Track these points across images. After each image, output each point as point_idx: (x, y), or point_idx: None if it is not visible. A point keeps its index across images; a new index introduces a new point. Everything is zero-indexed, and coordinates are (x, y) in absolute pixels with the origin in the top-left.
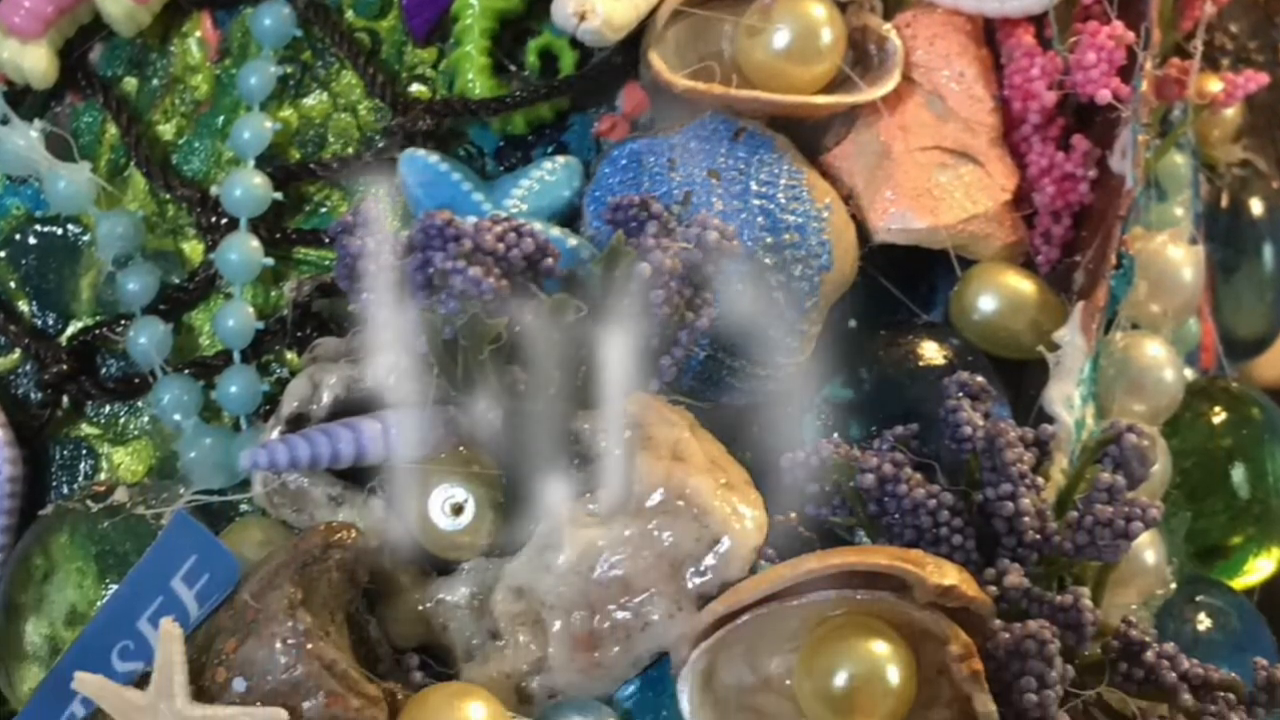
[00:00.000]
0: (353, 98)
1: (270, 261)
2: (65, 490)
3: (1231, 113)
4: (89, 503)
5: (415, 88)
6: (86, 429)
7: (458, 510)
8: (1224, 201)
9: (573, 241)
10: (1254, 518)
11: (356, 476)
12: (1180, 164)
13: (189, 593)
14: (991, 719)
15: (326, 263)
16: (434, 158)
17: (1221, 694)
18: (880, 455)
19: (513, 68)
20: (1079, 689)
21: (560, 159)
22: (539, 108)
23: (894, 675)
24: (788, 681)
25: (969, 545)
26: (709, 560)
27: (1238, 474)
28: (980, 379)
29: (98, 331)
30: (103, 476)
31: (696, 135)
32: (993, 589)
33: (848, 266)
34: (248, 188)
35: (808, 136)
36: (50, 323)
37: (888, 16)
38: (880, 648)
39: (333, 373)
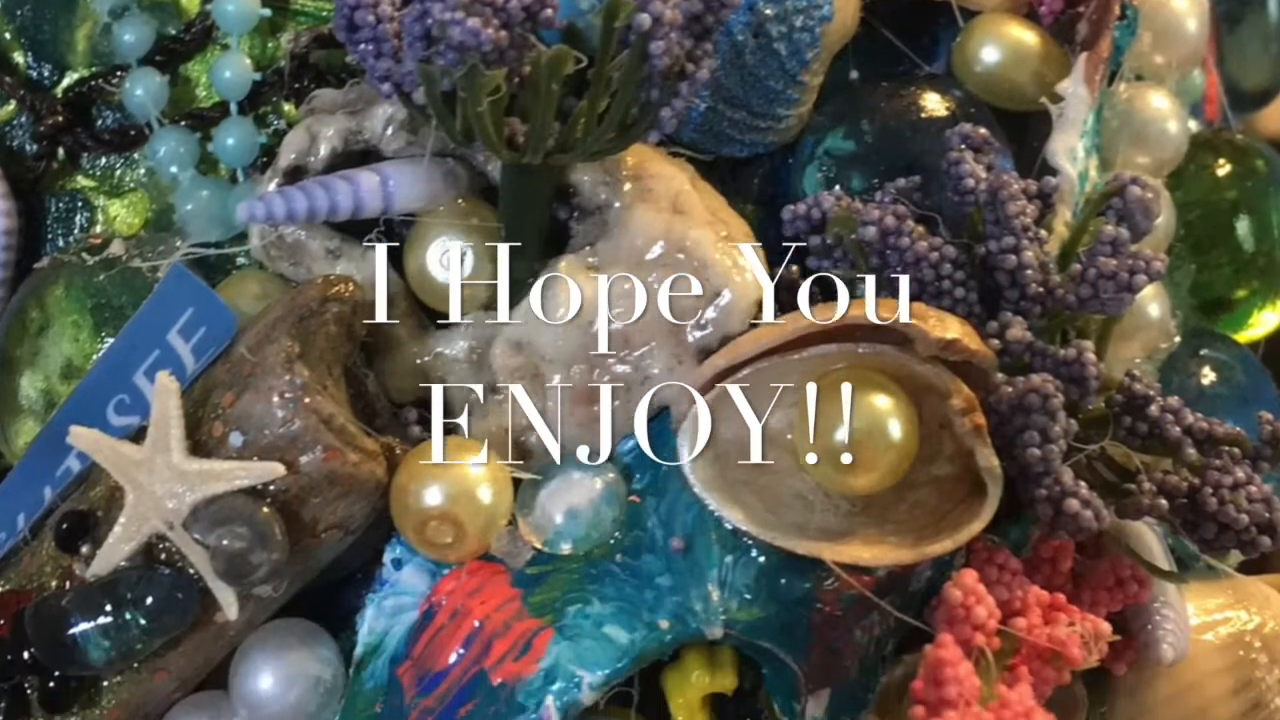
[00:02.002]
0: None
1: (267, 12)
2: (61, 243)
3: None
4: (85, 255)
5: None
6: (82, 181)
7: None
8: None
9: None
10: (1259, 270)
11: (354, 229)
12: None
13: (185, 346)
14: (994, 473)
15: (324, 14)
16: None
17: (1226, 448)
18: (882, 208)
19: None
20: (1082, 443)
21: None
22: None
23: (895, 429)
24: (789, 436)
25: (971, 298)
26: (710, 313)
27: (1242, 226)
28: (983, 131)
29: (94, 83)
30: (99, 229)
31: None
32: (995, 343)
33: (849, 17)
34: None
35: None
36: (46, 74)
37: None
38: (882, 401)
39: (330, 125)
